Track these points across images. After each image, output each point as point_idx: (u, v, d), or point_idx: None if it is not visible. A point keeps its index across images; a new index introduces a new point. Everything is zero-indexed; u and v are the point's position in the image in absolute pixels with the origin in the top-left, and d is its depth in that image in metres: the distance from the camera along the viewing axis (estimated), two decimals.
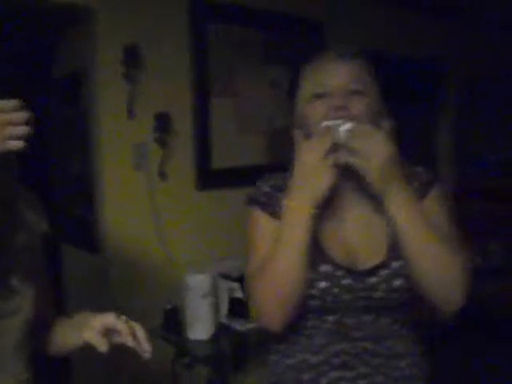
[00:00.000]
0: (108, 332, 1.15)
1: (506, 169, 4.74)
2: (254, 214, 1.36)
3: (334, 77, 1.30)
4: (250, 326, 2.64)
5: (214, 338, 2.57)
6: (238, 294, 2.72)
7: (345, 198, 1.32)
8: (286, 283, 1.21)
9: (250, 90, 3.19)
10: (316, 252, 1.25)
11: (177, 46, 2.93)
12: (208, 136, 3.03)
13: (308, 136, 1.29)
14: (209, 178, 3.05)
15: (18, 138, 0.94)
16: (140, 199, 2.81)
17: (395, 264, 1.26)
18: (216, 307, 2.65)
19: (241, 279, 2.75)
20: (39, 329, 1.26)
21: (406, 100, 4.69)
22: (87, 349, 1.29)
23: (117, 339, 1.15)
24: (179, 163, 2.93)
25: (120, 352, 2.66)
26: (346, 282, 1.25)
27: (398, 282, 1.25)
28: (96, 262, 2.92)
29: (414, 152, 4.76)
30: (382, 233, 1.30)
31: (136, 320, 2.66)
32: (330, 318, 1.28)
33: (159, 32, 2.85)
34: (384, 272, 1.26)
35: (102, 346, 1.12)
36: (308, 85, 1.34)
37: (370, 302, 1.27)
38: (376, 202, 1.28)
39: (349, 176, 1.26)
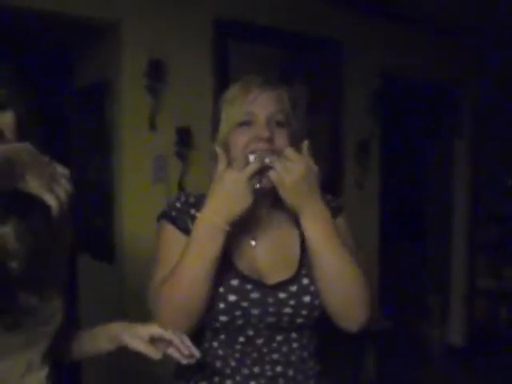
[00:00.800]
0: (153, 341, 1.16)
1: None
2: (164, 229, 1.35)
3: (259, 106, 1.30)
4: None
5: None
6: None
7: (260, 214, 1.34)
8: (189, 295, 1.21)
9: None
10: (226, 266, 1.26)
11: (199, 62, 2.97)
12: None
13: (230, 162, 1.30)
14: None
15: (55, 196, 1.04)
16: (158, 212, 2.84)
17: (305, 281, 1.30)
18: None
19: None
20: (61, 337, 1.28)
21: (422, 123, 4.71)
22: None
23: (160, 349, 1.15)
24: (198, 177, 2.96)
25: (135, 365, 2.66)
26: (254, 295, 1.26)
27: (306, 299, 1.28)
28: (112, 273, 2.95)
29: (432, 176, 4.76)
30: (294, 250, 1.34)
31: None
32: (241, 338, 1.28)
33: (183, 48, 2.90)
34: (293, 288, 1.29)
35: (156, 354, 1.13)
36: (232, 111, 1.32)
37: (279, 318, 1.27)
38: (290, 220, 1.34)
39: (266, 194, 1.29)
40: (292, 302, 1.27)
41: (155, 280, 1.29)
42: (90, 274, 3.28)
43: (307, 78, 3.39)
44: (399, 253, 4.87)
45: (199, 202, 1.32)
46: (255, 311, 1.25)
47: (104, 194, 3.00)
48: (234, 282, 1.26)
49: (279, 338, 1.30)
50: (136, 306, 2.89)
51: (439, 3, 3.41)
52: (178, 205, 1.35)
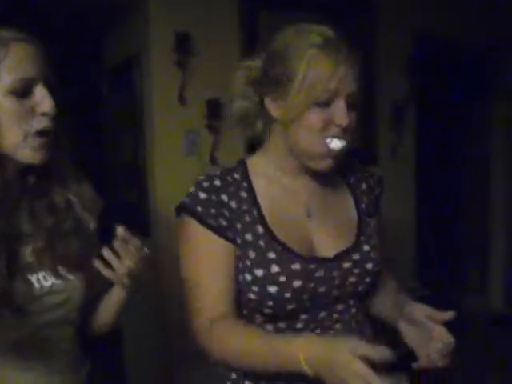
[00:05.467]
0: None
1: None
2: (190, 229, 1.16)
3: (344, 84, 1.10)
4: None
5: None
6: None
7: (308, 189, 1.24)
8: (236, 359, 1.11)
9: None
10: (283, 249, 1.14)
11: (227, 33, 2.93)
12: None
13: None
14: None
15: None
16: (191, 185, 2.84)
17: (366, 247, 1.22)
18: None
19: None
20: (87, 313, 1.28)
21: (460, 87, 4.57)
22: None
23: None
24: (230, 149, 2.94)
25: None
26: (319, 274, 1.15)
27: (369, 266, 1.21)
28: (148, 246, 2.97)
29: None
30: (350, 216, 1.27)
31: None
32: (303, 316, 1.17)
33: (210, 19, 2.87)
34: (356, 256, 1.20)
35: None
36: (315, 84, 1.10)
37: (344, 289, 1.20)
38: (343, 182, 1.30)
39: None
40: (356, 271, 1.20)
41: (201, 309, 1.14)
42: None
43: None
44: (436, 219, 4.79)
45: (226, 183, 1.18)
46: (322, 289, 1.16)
47: (137, 168, 3.02)
48: (296, 266, 1.13)
49: (340, 307, 1.22)
50: (172, 278, 2.92)
51: None
52: (203, 195, 1.16)
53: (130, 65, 2.98)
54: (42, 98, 1.05)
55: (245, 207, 1.17)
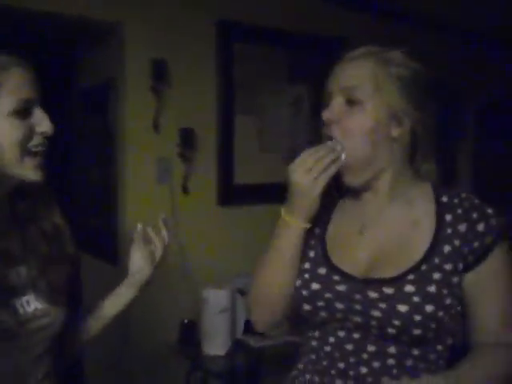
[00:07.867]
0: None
1: None
2: None
3: (330, 84, 1.19)
4: (265, 342, 2.63)
5: (230, 354, 2.57)
6: None
7: (375, 209, 1.20)
8: (271, 290, 1.22)
9: (273, 108, 3.22)
10: (319, 254, 1.21)
11: (203, 63, 2.97)
12: (231, 152, 3.06)
13: None
14: (230, 193, 3.06)
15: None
16: (161, 212, 2.83)
17: (408, 287, 1.06)
18: (233, 323, 2.65)
19: None
20: (67, 337, 1.28)
21: None
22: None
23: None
24: (202, 178, 2.96)
25: (134, 364, 2.66)
26: (340, 288, 1.12)
27: (402, 308, 1.04)
28: (115, 274, 2.94)
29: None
30: (407, 251, 1.12)
31: (153, 334, 2.66)
32: (331, 339, 1.15)
33: (186, 48, 2.89)
34: (388, 290, 1.07)
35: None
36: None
37: (366, 320, 1.08)
38: (419, 220, 1.14)
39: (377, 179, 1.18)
40: (382, 306, 1.06)
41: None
42: (93, 274, 3.27)
43: (313, 77, 3.37)
44: None
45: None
46: (340, 305, 1.11)
47: (108, 194, 3.00)
48: (322, 271, 1.18)
49: (371, 348, 1.10)
50: (140, 308, 2.87)
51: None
52: None
53: (106, 89, 2.99)
54: (41, 119, 1.11)
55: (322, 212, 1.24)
